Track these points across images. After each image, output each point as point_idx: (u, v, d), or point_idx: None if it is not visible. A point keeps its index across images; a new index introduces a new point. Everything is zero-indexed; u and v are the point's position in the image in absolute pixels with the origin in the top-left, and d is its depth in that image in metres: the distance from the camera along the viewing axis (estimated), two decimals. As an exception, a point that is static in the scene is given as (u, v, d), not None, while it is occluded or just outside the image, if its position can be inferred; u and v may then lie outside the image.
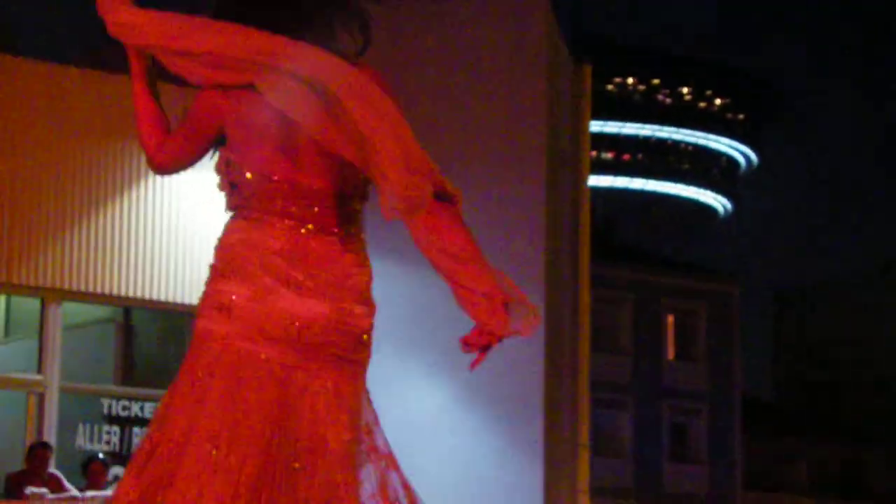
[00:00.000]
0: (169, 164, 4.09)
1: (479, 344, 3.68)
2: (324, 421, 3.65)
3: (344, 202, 3.78)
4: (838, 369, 53.18)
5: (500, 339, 3.68)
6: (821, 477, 46.38)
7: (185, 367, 3.92)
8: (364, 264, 3.85)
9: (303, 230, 3.73)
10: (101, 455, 13.78)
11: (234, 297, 3.76)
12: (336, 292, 3.72)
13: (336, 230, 3.76)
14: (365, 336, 3.78)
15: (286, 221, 3.74)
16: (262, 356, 3.65)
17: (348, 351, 3.73)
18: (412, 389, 15.94)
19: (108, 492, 13.21)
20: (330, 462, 3.63)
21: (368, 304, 3.82)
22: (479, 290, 3.65)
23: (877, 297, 52.93)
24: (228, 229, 3.96)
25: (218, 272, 3.92)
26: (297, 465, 3.59)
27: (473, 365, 3.73)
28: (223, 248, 3.96)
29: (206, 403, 3.72)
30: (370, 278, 3.87)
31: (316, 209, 3.74)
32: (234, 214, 3.96)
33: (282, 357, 3.65)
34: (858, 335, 52.85)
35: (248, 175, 3.82)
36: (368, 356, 3.81)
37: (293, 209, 3.74)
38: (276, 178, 3.75)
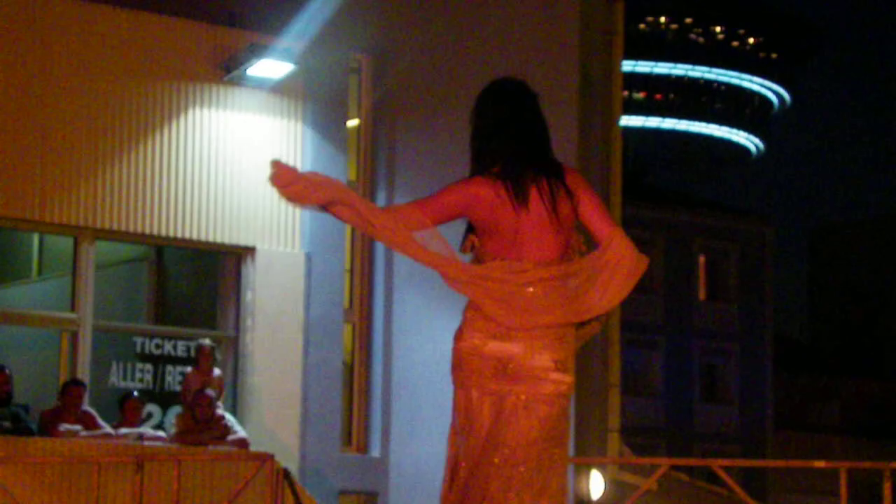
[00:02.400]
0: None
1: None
2: None
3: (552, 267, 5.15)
4: (872, 308, 53.02)
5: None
6: (853, 417, 46.35)
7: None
8: None
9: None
10: (135, 392, 13.87)
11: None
12: None
13: None
14: None
15: None
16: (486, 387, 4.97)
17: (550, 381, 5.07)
18: (443, 329, 15.99)
19: (142, 429, 13.32)
20: None
21: None
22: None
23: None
24: None
25: None
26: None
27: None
28: None
29: None
30: None
31: None
32: None
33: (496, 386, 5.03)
34: (890, 274, 52.63)
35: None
36: None
37: None
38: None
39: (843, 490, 10.18)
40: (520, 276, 4.88)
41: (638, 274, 4.98)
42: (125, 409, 13.39)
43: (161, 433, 13.52)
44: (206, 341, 14.14)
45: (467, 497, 4.86)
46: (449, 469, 4.94)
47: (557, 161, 5.07)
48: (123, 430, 13.08)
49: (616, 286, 4.94)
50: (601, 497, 17.49)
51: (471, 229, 5.05)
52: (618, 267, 4.94)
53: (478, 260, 4.98)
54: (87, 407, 13.24)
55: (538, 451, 4.86)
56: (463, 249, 5.05)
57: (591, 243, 5.14)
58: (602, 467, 17.46)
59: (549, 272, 4.89)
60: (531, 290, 4.89)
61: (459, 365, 4.97)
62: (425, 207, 4.98)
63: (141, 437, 13.03)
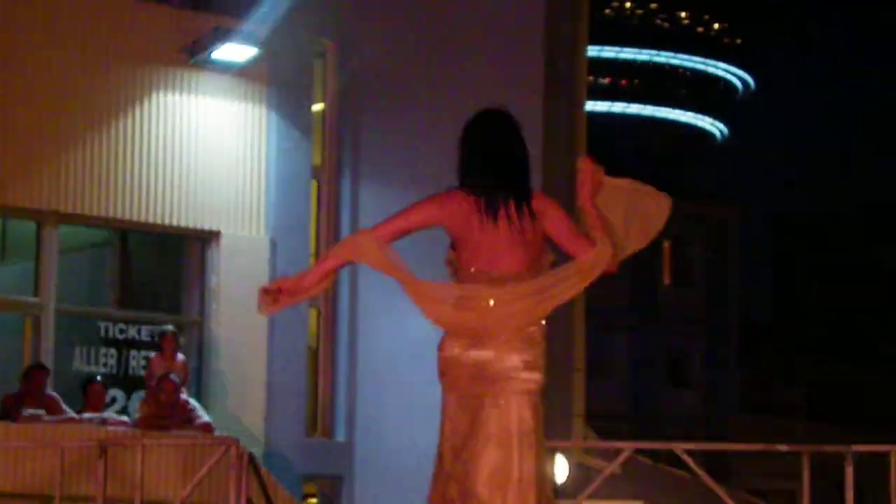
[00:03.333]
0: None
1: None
2: None
3: (521, 279, 5.58)
4: (835, 293, 53.30)
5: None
6: (818, 400, 46.60)
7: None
8: None
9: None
10: (98, 377, 13.82)
11: None
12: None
13: None
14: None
15: None
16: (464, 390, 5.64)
17: (517, 378, 5.60)
18: (409, 313, 15.98)
19: (105, 414, 13.28)
20: None
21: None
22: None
23: (877, 223, 52.93)
24: None
25: None
26: None
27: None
28: None
29: None
30: None
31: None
32: None
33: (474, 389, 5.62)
34: (855, 258, 52.91)
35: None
36: None
37: None
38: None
39: (806, 473, 10.24)
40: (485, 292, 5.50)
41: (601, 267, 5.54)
42: (88, 393, 13.35)
43: (125, 418, 13.48)
44: (169, 327, 14.10)
45: (447, 492, 5.58)
46: (436, 471, 5.69)
47: (529, 187, 5.61)
48: (87, 415, 13.04)
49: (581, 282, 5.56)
50: (565, 481, 17.56)
51: (451, 246, 5.62)
52: (590, 271, 5.54)
53: (455, 271, 5.57)
54: (50, 391, 13.20)
55: (513, 443, 5.43)
56: (445, 264, 5.63)
57: (561, 262, 5.60)
58: (566, 451, 17.53)
59: (516, 290, 5.48)
60: (492, 302, 5.48)
61: (444, 372, 5.63)
62: (402, 218, 5.66)
63: (104, 421, 12.99)
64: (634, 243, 5.69)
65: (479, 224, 5.50)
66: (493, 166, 5.58)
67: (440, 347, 5.63)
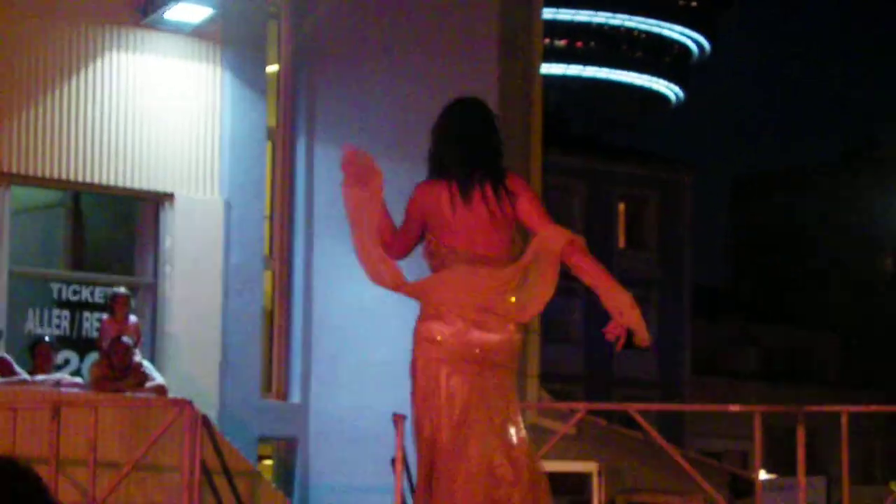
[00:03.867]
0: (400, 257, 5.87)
1: (617, 332, 6.19)
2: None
3: (501, 262, 5.73)
4: (789, 257, 53.62)
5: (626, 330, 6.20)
6: (770, 363, 46.94)
7: (412, 385, 5.78)
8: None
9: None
10: (47, 337, 13.74)
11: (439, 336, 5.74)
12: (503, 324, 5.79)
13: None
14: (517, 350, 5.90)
15: None
16: (465, 369, 5.73)
17: (510, 360, 5.87)
18: (360, 276, 15.98)
19: (58, 375, 13.22)
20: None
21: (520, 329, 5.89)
22: (624, 299, 6.08)
23: (831, 186, 53.26)
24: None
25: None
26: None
27: (619, 346, 6.21)
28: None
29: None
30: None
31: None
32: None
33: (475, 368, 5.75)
34: (811, 223, 53.23)
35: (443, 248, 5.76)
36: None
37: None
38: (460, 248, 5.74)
39: (758, 433, 10.32)
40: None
41: (558, 252, 5.74)
42: (36, 354, 13.27)
43: (78, 379, 13.43)
44: (121, 289, 14.04)
45: (436, 465, 5.69)
46: (424, 445, 5.72)
47: (503, 168, 5.80)
48: (40, 377, 12.98)
49: (548, 279, 5.80)
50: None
51: (423, 237, 5.85)
52: (543, 253, 5.72)
53: (435, 253, 5.77)
54: (3, 353, 13.13)
55: (513, 416, 5.82)
56: (424, 257, 5.85)
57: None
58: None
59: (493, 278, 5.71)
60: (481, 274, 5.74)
61: (439, 347, 5.74)
62: (405, 234, 5.83)
63: (58, 383, 12.94)
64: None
65: (455, 206, 5.69)
66: (467, 150, 5.76)
67: (430, 326, 5.75)
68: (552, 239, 5.70)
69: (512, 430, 5.75)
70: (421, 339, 5.76)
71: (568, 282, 6.11)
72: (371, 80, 16.14)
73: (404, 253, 5.85)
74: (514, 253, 5.78)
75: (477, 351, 5.72)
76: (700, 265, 48.59)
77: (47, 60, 14.41)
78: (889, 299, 50.80)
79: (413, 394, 5.77)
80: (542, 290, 5.80)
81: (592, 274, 5.84)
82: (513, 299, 5.75)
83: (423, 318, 5.79)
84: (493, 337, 5.76)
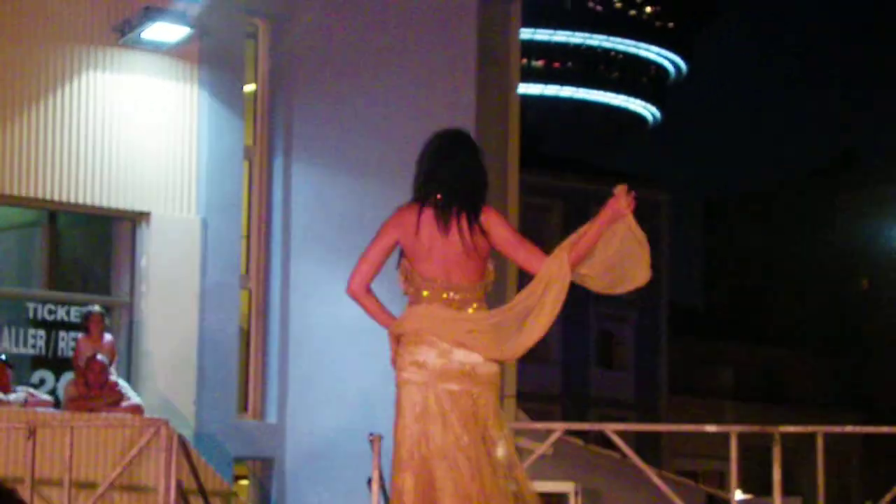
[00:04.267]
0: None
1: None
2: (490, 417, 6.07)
3: (475, 290, 5.99)
4: (764, 277, 53.76)
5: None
6: (744, 382, 47.02)
7: (398, 407, 5.97)
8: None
9: (456, 308, 5.97)
10: (3, 356, 13.60)
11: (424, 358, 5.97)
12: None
13: (474, 306, 6.02)
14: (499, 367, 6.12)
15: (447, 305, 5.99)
16: (453, 388, 5.97)
17: (494, 377, 6.06)
18: (342, 295, 15.95)
19: (14, 395, 13.08)
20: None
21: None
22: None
23: (805, 205, 53.43)
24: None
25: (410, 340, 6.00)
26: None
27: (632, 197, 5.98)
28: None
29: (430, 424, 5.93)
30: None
31: (459, 295, 5.97)
32: (410, 302, 6.05)
33: (462, 386, 5.99)
34: (785, 243, 53.39)
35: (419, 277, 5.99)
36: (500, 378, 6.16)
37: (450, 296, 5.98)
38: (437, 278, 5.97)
39: (734, 453, 10.33)
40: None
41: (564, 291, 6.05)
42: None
43: (46, 397, 13.37)
44: (96, 307, 13.99)
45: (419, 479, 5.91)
46: (403, 459, 5.93)
47: (480, 204, 6.04)
48: (11, 396, 12.90)
49: (546, 315, 6.01)
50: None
51: (402, 253, 6.05)
52: (554, 280, 5.96)
53: (410, 280, 6.01)
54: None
55: (504, 433, 6.06)
56: (399, 269, 6.06)
57: (501, 271, 6.12)
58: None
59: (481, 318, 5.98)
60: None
61: (422, 371, 5.98)
62: (372, 261, 6.05)
63: (25, 402, 12.86)
64: (600, 283, 6.12)
65: (432, 235, 5.93)
66: (447, 181, 5.99)
67: (413, 350, 5.98)
68: (558, 269, 5.93)
69: (501, 450, 5.98)
70: (406, 363, 5.98)
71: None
72: (348, 100, 16.14)
73: (376, 272, 6.09)
74: (487, 280, 6.04)
75: (465, 368, 5.97)
76: (676, 285, 48.65)
77: (23, 79, 14.38)
78: (865, 318, 50.95)
79: (399, 416, 5.96)
80: (543, 321, 5.99)
81: (588, 245, 5.95)
82: (484, 339, 5.98)
83: (405, 345, 6.01)
84: (475, 357, 5.98)
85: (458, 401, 5.96)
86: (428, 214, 5.93)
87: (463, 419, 5.94)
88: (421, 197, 5.98)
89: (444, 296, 5.97)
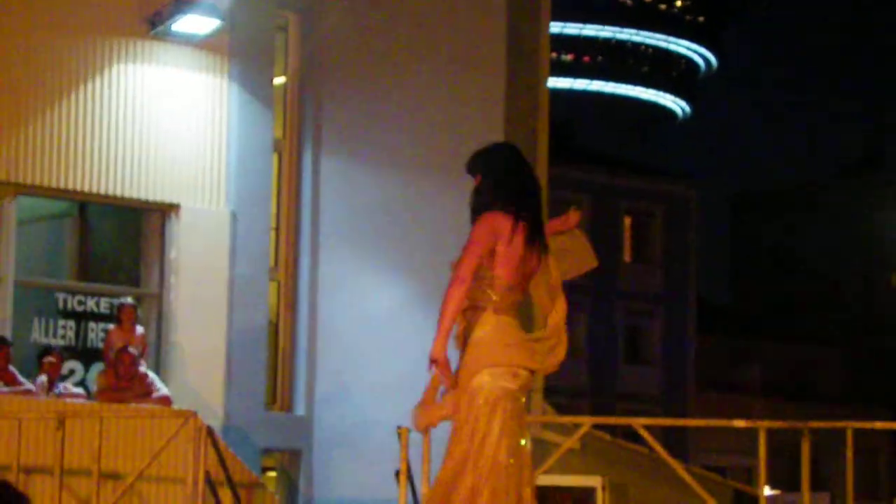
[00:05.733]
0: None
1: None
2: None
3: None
4: (793, 272, 53.58)
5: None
6: (773, 378, 46.87)
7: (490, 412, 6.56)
8: None
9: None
10: (55, 348, 13.69)
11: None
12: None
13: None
14: None
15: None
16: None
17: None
18: (370, 287, 15.98)
19: (61, 385, 13.16)
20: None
21: None
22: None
23: (833, 202, 53.22)
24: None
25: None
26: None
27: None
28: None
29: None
30: None
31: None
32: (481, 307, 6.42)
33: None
34: (814, 239, 53.19)
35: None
36: None
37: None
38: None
39: (763, 449, 10.31)
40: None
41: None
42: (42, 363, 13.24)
43: (79, 390, 13.44)
44: (128, 300, 14.05)
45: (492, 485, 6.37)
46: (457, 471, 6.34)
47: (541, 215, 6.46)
48: (43, 397, 12.95)
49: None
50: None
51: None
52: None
53: (486, 280, 6.26)
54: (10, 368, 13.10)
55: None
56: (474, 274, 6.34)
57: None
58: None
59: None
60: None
61: (500, 397, 6.53)
62: (479, 255, 6.29)
63: (60, 394, 12.93)
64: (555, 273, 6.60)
65: (511, 241, 6.26)
66: (526, 191, 6.36)
67: (497, 378, 6.49)
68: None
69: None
70: (504, 373, 6.48)
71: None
72: (378, 92, 16.16)
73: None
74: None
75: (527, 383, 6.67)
76: (704, 280, 48.49)
77: (55, 71, 14.44)
78: (893, 314, 50.73)
79: (490, 414, 6.46)
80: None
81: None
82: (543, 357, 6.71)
83: (495, 364, 6.50)
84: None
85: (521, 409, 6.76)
86: (510, 219, 6.22)
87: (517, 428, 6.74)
88: (499, 204, 6.27)
89: (514, 303, 6.45)
